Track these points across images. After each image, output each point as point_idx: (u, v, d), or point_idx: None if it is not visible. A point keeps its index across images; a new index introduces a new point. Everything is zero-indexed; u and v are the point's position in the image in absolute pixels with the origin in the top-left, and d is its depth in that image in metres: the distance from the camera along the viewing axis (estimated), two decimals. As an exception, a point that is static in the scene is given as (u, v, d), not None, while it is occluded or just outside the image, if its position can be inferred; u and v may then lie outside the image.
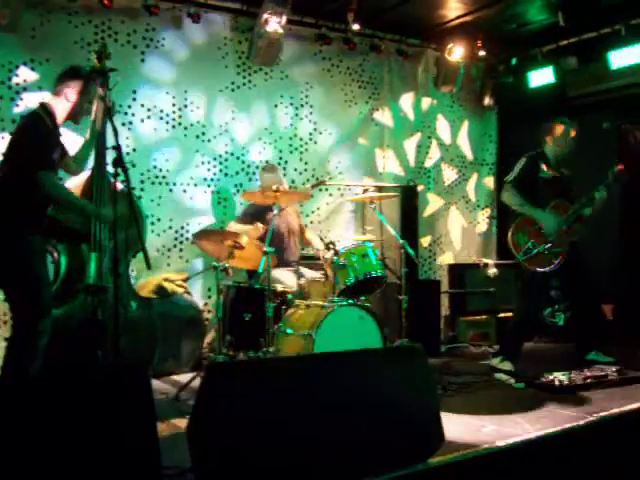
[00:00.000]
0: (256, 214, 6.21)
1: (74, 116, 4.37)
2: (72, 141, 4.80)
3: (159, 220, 6.59)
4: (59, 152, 4.31)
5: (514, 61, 8.40)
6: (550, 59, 7.91)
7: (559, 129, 5.91)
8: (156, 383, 5.40)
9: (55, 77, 4.41)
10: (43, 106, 4.26)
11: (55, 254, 4.28)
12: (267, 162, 6.96)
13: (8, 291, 4.14)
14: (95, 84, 4.34)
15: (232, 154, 7.05)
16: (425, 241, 8.38)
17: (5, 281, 4.10)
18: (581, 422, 4.19)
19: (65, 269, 4.21)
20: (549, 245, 5.65)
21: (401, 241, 5.63)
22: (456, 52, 7.89)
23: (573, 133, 5.92)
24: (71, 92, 4.29)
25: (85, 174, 4.53)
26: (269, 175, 6.36)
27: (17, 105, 5.82)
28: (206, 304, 6.75)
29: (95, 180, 4.25)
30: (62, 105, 4.30)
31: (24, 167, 4.03)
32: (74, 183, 4.48)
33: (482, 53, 8.06)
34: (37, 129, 4.14)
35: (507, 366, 5.75)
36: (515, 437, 3.89)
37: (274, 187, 5.29)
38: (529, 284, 5.87)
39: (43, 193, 4.04)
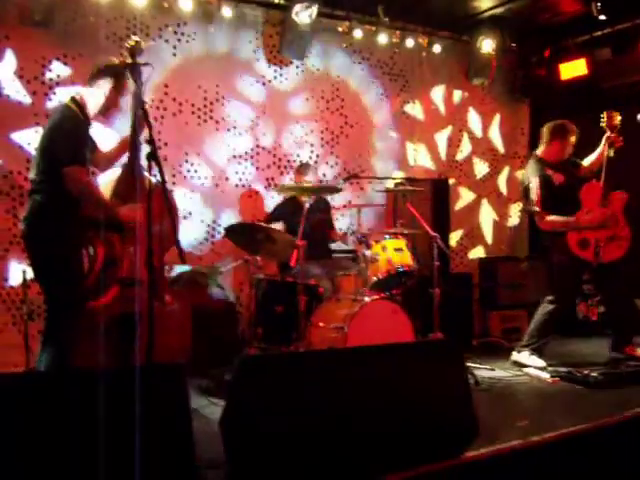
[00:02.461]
0: (284, 214, 6.26)
1: (105, 111, 4.38)
2: (101, 135, 4.83)
3: (190, 214, 6.63)
4: (90, 146, 4.34)
5: (547, 53, 8.30)
6: (583, 50, 7.80)
7: (573, 129, 5.89)
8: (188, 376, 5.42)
9: (88, 71, 4.43)
10: (74, 99, 4.27)
11: (91, 248, 4.29)
12: (302, 163, 6.93)
13: (42, 283, 4.19)
14: (127, 80, 4.35)
15: (263, 148, 7.06)
16: (456, 235, 8.33)
17: (40, 274, 4.14)
18: (616, 418, 4.15)
19: (101, 262, 4.23)
20: (610, 233, 5.64)
21: (433, 234, 5.60)
22: (488, 44, 7.81)
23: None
24: (104, 87, 4.31)
25: (117, 170, 4.53)
26: (303, 178, 6.35)
27: (50, 100, 5.88)
28: (238, 298, 6.76)
29: (130, 175, 4.26)
30: (94, 100, 4.32)
31: (56, 161, 4.05)
32: (105, 179, 4.48)
33: (514, 45, 7.98)
34: (68, 122, 4.15)
35: (536, 361, 5.70)
36: (549, 432, 3.85)
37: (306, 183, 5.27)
38: (564, 273, 5.80)
39: (73, 189, 4.05)
